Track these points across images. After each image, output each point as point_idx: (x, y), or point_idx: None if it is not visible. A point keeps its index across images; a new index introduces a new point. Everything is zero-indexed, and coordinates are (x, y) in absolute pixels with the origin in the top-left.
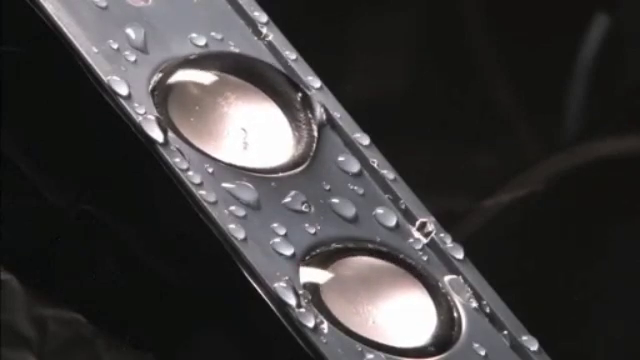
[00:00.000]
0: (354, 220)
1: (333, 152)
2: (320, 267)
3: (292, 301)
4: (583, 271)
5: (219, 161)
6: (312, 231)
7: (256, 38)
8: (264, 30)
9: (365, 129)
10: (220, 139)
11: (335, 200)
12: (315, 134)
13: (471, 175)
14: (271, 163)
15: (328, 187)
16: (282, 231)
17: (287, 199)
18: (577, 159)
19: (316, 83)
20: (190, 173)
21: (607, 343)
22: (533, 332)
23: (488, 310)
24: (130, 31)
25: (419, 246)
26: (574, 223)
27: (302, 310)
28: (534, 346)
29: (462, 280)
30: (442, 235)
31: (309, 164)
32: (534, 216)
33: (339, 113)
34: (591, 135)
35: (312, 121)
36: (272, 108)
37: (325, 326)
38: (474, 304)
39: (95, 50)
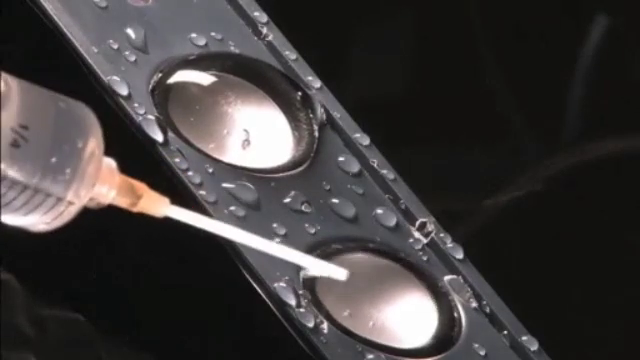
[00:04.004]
0: (354, 220)
1: (333, 152)
2: None
3: (292, 301)
4: (582, 271)
5: (219, 161)
6: (312, 231)
7: (256, 38)
8: (264, 30)
9: (365, 129)
10: (220, 139)
11: (335, 200)
12: (315, 134)
13: (471, 175)
14: (271, 163)
15: (328, 187)
16: (282, 231)
17: (287, 199)
18: (577, 159)
19: (316, 83)
20: (190, 173)
21: (607, 343)
22: (533, 332)
23: (488, 310)
24: (130, 31)
25: (419, 246)
26: (574, 223)
27: (302, 310)
28: (534, 346)
29: (462, 280)
30: (442, 235)
31: (309, 164)
32: (534, 216)
33: (339, 113)
34: (591, 135)
35: (312, 121)
36: (272, 108)
37: (325, 326)
38: (474, 304)
39: (95, 50)
